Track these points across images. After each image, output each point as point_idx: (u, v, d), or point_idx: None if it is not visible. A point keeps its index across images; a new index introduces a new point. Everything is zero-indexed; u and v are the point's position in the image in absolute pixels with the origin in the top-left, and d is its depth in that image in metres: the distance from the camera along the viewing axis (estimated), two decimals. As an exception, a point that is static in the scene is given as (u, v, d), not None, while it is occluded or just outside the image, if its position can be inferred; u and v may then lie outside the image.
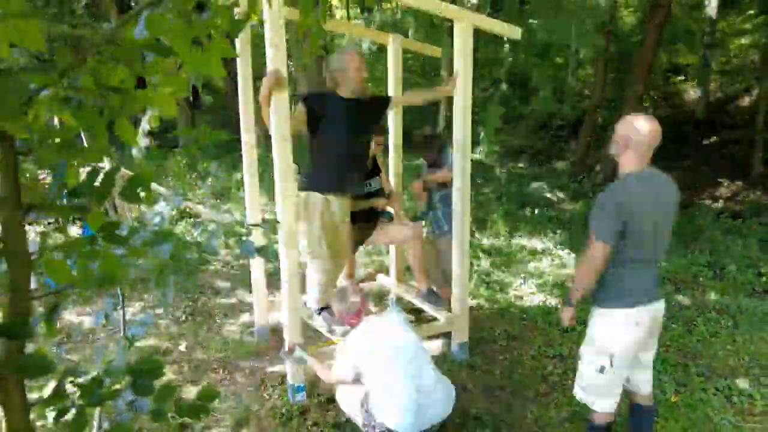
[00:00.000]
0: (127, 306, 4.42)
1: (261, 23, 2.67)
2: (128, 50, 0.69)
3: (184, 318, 4.21)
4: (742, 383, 3.24)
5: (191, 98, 14.26)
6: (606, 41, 10.42)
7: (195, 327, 4.03)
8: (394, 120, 4.13)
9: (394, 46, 3.97)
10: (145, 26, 0.72)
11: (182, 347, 3.72)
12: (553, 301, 4.65)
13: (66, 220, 0.77)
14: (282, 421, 2.84)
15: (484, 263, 5.60)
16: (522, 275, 5.28)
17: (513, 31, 3.28)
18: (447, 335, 3.62)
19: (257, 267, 3.76)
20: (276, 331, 3.84)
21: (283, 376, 3.25)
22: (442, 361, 3.50)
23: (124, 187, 0.79)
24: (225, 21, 0.80)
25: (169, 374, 3.35)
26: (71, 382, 0.87)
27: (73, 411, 0.86)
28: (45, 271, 0.77)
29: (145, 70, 0.77)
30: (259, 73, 3.53)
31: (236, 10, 0.99)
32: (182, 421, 2.73)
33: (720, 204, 8.51)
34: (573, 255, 5.93)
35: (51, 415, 0.88)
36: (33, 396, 2.65)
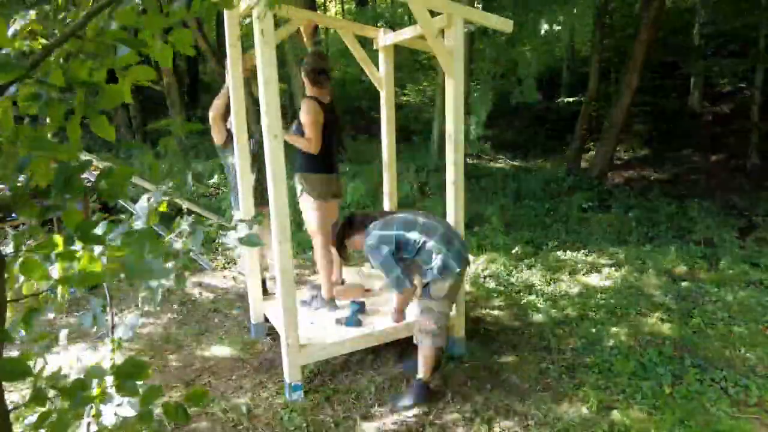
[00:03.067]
0: (118, 306, 4.40)
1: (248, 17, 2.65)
2: (98, 43, 0.67)
3: (178, 317, 4.20)
4: (738, 375, 3.24)
5: (186, 97, 14.18)
6: (600, 34, 10.41)
7: (189, 325, 4.02)
8: (386, 115, 4.11)
9: (384, 41, 3.93)
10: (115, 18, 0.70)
11: (176, 347, 3.71)
12: (548, 296, 4.65)
13: (39, 219, 0.75)
14: (279, 420, 2.83)
15: (480, 258, 5.59)
16: (518, 270, 5.28)
17: (505, 24, 3.25)
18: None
19: (252, 264, 3.74)
20: (272, 328, 3.83)
21: (280, 375, 3.24)
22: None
23: (100, 183, 0.77)
24: (183, 11, 0.79)
25: (163, 374, 3.34)
26: (53, 385, 0.85)
27: (54, 416, 0.84)
28: (20, 271, 0.75)
29: (115, 63, 0.74)
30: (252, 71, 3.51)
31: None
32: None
33: (715, 195, 8.53)
34: (570, 247, 5.94)
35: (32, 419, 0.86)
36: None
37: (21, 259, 0.78)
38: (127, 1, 0.69)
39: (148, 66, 0.81)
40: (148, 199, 1.04)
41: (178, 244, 0.94)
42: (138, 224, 1.02)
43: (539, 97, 10.89)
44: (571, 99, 13.94)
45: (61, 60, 0.71)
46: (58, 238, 0.76)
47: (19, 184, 0.70)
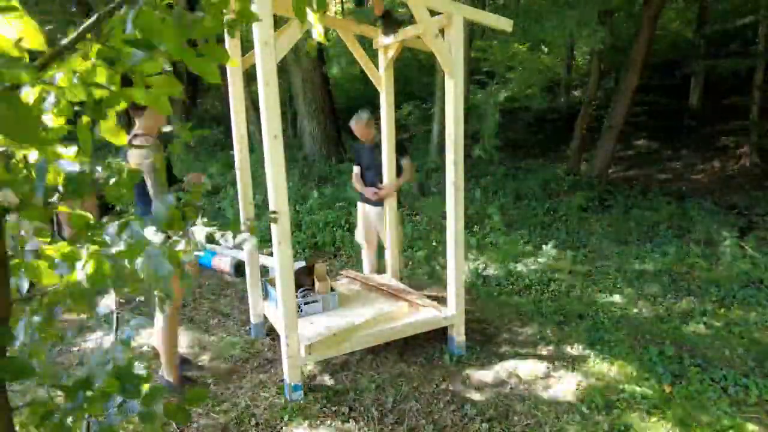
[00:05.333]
0: (121, 307, 4.40)
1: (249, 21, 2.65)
2: (111, 47, 0.67)
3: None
4: (738, 375, 3.25)
5: (186, 98, 14.17)
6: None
7: (189, 325, 4.02)
8: (386, 115, 4.12)
9: (384, 41, 3.92)
10: (131, 22, 0.70)
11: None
12: (548, 295, 4.65)
13: (45, 221, 0.75)
14: (279, 420, 2.84)
15: (480, 258, 5.59)
16: (517, 270, 5.28)
17: (505, 24, 3.26)
18: (443, 331, 3.62)
19: (252, 265, 3.74)
20: (272, 329, 3.83)
21: (280, 375, 3.25)
22: (439, 357, 3.50)
23: (108, 186, 0.78)
24: (217, 21, 0.78)
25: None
26: (54, 385, 0.86)
27: (57, 415, 0.85)
28: (27, 275, 0.75)
29: (132, 68, 0.74)
30: (251, 71, 3.51)
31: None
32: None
33: (715, 195, 8.53)
34: (570, 247, 5.94)
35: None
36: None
37: (28, 262, 0.78)
38: (140, 3, 0.69)
39: (172, 75, 0.80)
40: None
41: (181, 245, 0.94)
42: (153, 228, 1.01)
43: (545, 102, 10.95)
44: (571, 99, 13.94)
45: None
46: (66, 243, 0.76)
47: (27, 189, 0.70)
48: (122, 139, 0.87)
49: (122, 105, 0.83)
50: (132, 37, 0.70)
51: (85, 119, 0.81)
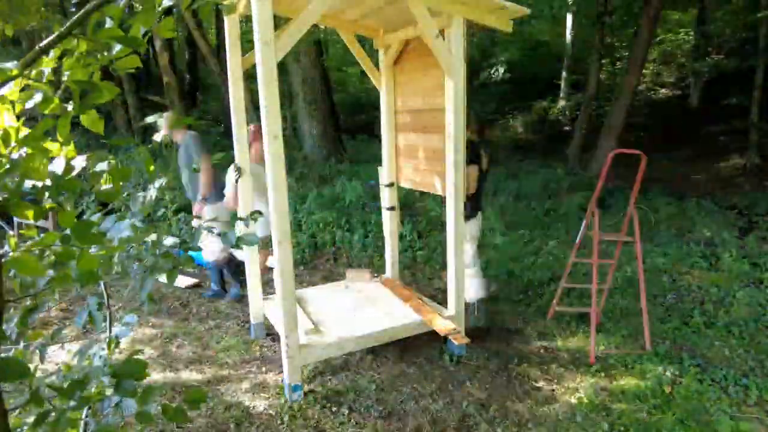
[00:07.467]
0: (114, 305, 4.40)
1: (249, 19, 2.65)
2: (93, 42, 0.67)
3: (178, 317, 4.19)
4: (738, 375, 3.24)
5: (186, 98, 14.17)
6: (600, 34, 10.40)
7: (189, 326, 4.01)
8: (386, 114, 4.11)
9: (384, 40, 3.92)
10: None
11: (176, 346, 3.70)
12: (548, 295, 4.64)
13: (35, 219, 0.74)
14: (279, 420, 2.83)
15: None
16: (518, 270, 5.28)
17: (505, 24, 3.25)
18: (443, 330, 3.61)
19: (252, 263, 3.74)
20: (272, 329, 3.83)
21: (280, 375, 3.24)
22: (438, 357, 3.50)
23: (95, 181, 0.77)
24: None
25: (162, 375, 3.33)
26: (49, 385, 0.85)
27: (53, 415, 0.84)
28: (17, 270, 0.75)
29: (111, 60, 0.74)
30: (251, 71, 3.51)
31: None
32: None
33: (715, 195, 8.52)
34: (570, 247, 5.93)
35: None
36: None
37: (17, 257, 0.78)
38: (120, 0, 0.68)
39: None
40: (143, 198, 1.04)
41: (169, 241, 0.94)
42: (133, 221, 1.01)
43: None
44: (571, 99, 13.94)
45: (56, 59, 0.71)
46: (54, 235, 0.75)
47: (11, 184, 0.69)
48: (100, 128, 0.87)
49: (105, 98, 0.83)
50: (114, 33, 0.70)
51: (68, 113, 0.80)
